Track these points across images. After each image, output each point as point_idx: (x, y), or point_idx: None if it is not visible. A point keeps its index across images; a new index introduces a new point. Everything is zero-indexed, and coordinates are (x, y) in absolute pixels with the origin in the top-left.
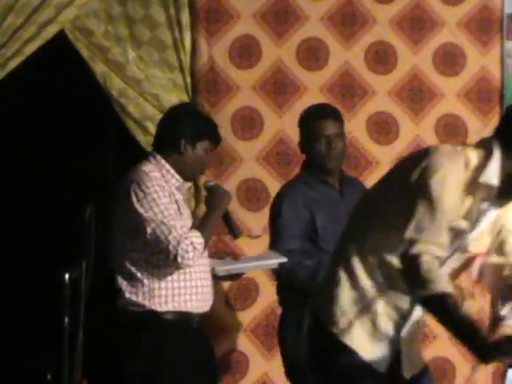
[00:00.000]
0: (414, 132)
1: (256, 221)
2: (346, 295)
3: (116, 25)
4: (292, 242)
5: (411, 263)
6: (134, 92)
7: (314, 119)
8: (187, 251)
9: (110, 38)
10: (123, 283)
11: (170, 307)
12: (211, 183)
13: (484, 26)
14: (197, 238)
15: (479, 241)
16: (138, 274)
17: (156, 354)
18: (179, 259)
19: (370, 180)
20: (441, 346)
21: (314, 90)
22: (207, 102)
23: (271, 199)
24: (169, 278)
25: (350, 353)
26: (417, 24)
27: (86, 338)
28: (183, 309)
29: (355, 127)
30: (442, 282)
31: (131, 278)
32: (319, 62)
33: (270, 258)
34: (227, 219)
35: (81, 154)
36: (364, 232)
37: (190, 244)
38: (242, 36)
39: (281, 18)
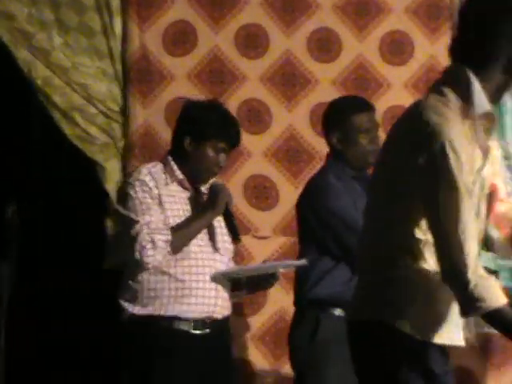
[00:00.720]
0: None
1: None
2: (407, 292)
3: (40, 8)
4: None
5: (457, 283)
6: (60, 81)
7: (357, 112)
8: (145, 248)
9: (34, 22)
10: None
11: (149, 310)
12: (216, 182)
13: (433, 12)
14: (161, 235)
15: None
16: (126, 276)
17: (138, 361)
18: (137, 256)
19: None
20: None
21: (253, 79)
22: (139, 91)
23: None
24: (151, 279)
25: (433, 348)
26: (362, 10)
27: None
28: (165, 313)
29: (297, 118)
30: (494, 296)
31: (122, 281)
32: (259, 49)
33: (285, 262)
34: (228, 220)
35: (2, 148)
36: (396, 224)
37: (150, 241)
38: (176, 21)
39: (217, 2)
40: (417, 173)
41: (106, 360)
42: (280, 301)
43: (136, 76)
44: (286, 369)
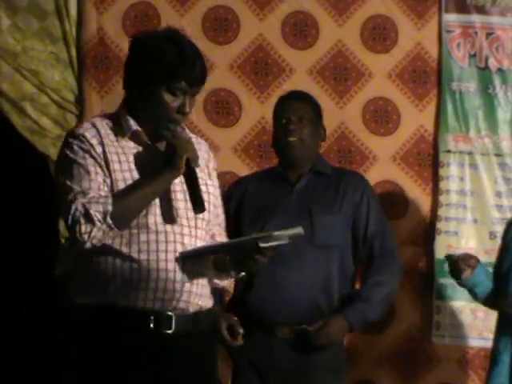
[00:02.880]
0: (339, 118)
1: None
2: None
3: None
4: None
5: None
6: (9, 67)
7: (277, 102)
8: (79, 223)
9: None
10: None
11: (99, 300)
12: (177, 134)
13: None
14: (97, 206)
15: None
16: (70, 259)
17: (84, 363)
18: (71, 233)
19: None
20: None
21: (222, 67)
22: (96, 79)
23: None
24: (101, 260)
25: None
26: None
27: None
28: (117, 303)
29: (270, 110)
30: None
31: (71, 267)
32: (228, 34)
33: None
34: (190, 183)
35: None
36: None
37: (84, 214)
38: (137, 2)
39: None
40: None
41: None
42: None
43: (92, 62)
44: None
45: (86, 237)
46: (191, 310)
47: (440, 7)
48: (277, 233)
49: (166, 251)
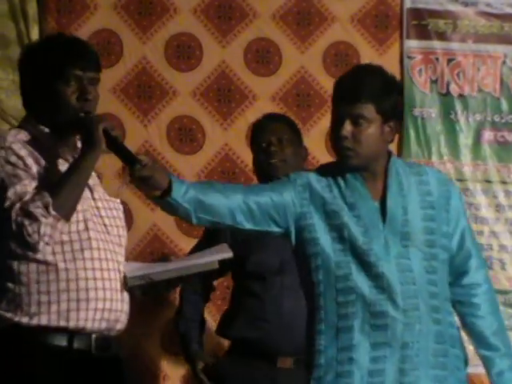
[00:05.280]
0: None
1: None
2: None
3: None
4: None
5: None
6: None
7: (253, 127)
8: (23, 225)
9: None
10: None
11: (42, 320)
12: (82, 115)
13: (381, 21)
14: (35, 203)
15: None
16: (2, 278)
17: None
18: (18, 241)
19: None
20: None
21: (185, 94)
22: None
23: None
24: (42, 278)
25: None
26: (304, 18)
27: None
28: (65, 324)
29: (234, 137)
30: None
31: None
32: (191, 61)
33: (208, 254)
34: (117, 148)
35: None
36: None
37: (26, 215)
38: (100, 30)
39: (145, 9)
40: None
41: None
42: None
43: None
44: None
45: (36, 236)
46: (122, 328)
47: (401, 33)
48: (212, 257)
49: (108, 269)
